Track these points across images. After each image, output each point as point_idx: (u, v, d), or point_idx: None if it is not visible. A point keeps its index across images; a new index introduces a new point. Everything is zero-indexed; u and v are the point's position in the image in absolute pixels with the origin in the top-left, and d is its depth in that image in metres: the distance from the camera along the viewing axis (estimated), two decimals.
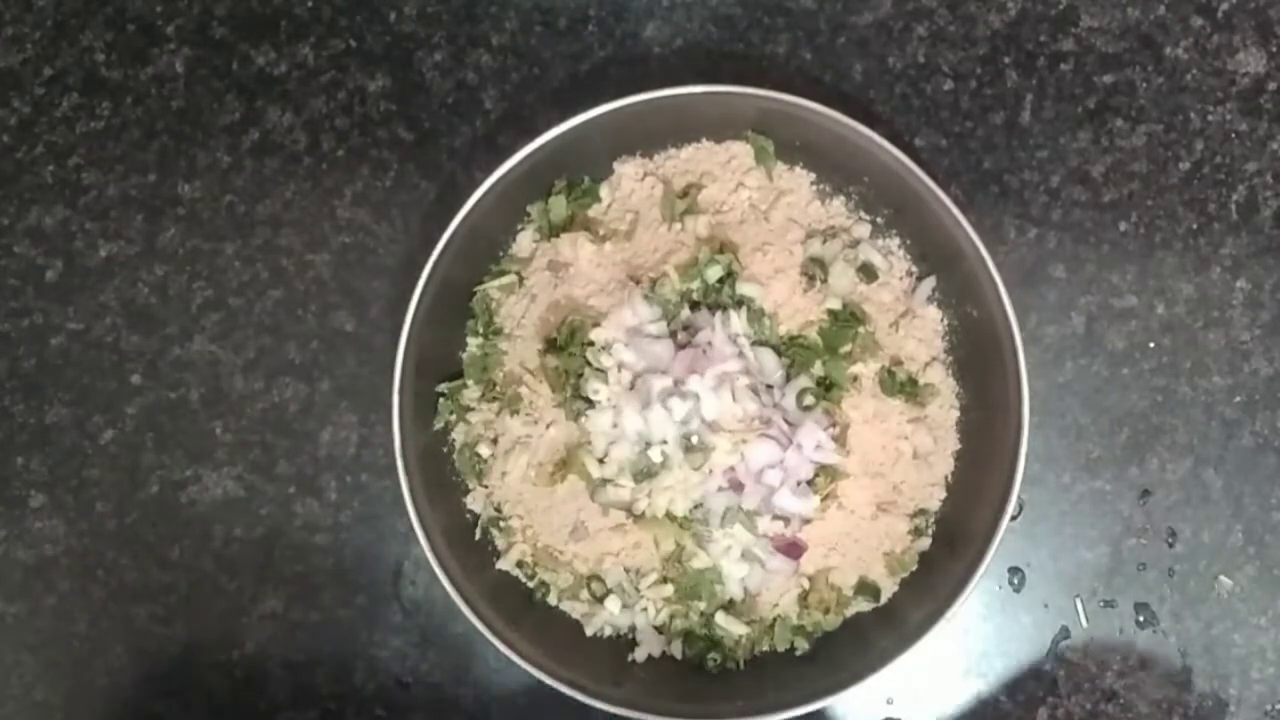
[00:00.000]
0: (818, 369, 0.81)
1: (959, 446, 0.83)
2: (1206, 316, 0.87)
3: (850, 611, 0.83)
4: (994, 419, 0.80)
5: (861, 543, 0.82)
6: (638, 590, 0.81)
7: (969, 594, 0.77)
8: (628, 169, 0.85)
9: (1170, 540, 0.86)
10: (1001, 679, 0.86)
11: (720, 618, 0.81)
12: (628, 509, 0.80)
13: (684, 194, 0.84)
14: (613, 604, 0.81)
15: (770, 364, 0.81)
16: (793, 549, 0.80)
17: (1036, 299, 0.87)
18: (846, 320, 0.82)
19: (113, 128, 0.90)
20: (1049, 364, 0.87)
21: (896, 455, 0.82)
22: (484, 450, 0.83)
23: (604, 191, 0.85)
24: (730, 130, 0.84)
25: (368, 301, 0.89)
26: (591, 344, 0.80)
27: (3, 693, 0.87)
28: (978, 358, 0.82)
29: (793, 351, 0.81)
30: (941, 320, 0.84)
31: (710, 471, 0.78)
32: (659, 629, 0.82)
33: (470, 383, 0.83)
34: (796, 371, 0.81)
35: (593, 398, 0.79)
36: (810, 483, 0.80)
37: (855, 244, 0.84)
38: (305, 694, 0.86)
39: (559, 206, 0.84)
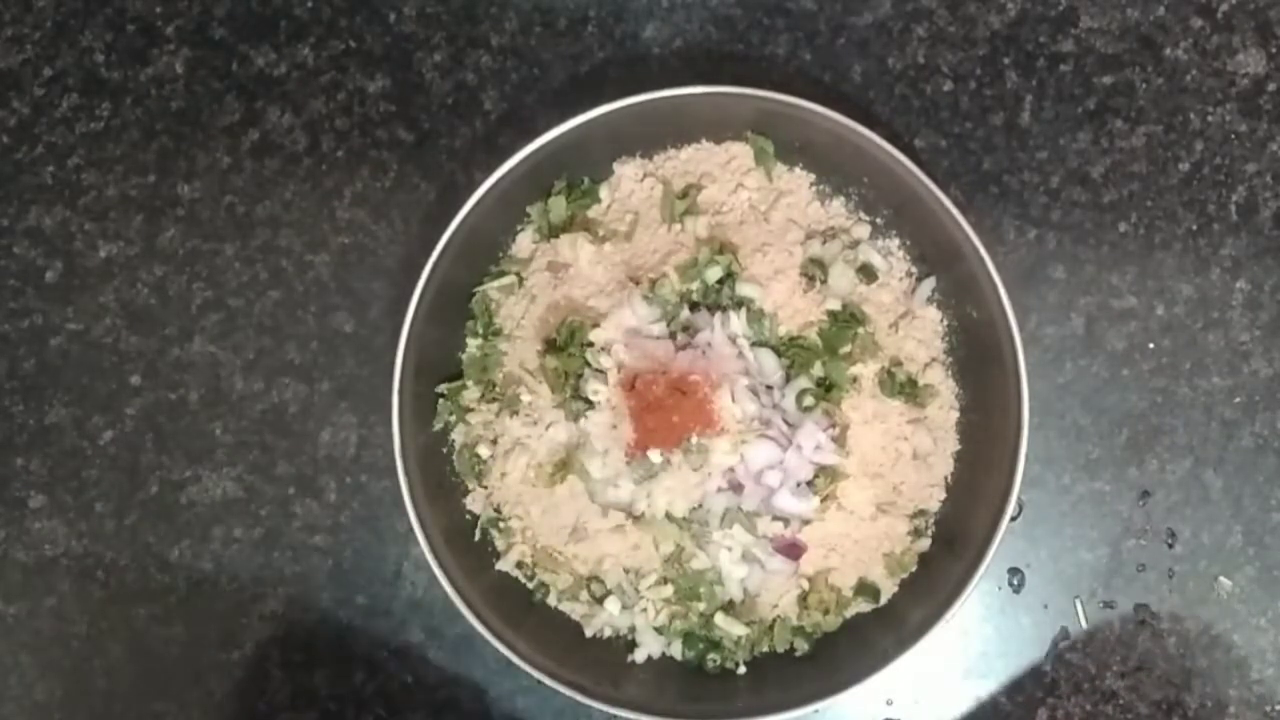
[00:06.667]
0: (817, 370, 0.81)
1: (959, 447, 0.83)
2: (1206, 317, 0.87)
3: (850, 612, 0.83)
4: (994, 420, 0.80)
5: (861, 543, 0.82)
6: (637, 591, 0.81)
7: (969, 595, 0.77)
8: (627, 170, 0.85)
9: (1170, 541, 0.86)
10: (1001, 679, 0.86)
11: (720, 618, 0.81)
12: (627, 510, 0.80)
13: (684, 195, 0.84)
14: (612, 605, 0.81)
15: (770, 365, 0.80)
16: (792, 550, 0.80)
17: (1036, 299, 0.87)
18: (846, 321, 0.82)
19: (112, 128, 0.90)
20: (1049, 364, 0.87)
21: (896, 456, 0.82)
22: (484, 451, 0.83)
23: (604, 192, 0.85)
24: (730, 131, 0.84)
25: (368, 302, 0.88)
26: (591, 344, 0.80)
27: (3, 693, 0.87)
28: (977, 358, 0.82)
29: (792, 352, 0.81)
30: (941, 321, 0.84)
31: (710, 473, 0.78)
32: (659, 630, 0.82)
33: (470, 383, 0.83)
34: (796, 372, 0.81)
35: (592, 398, 0.79)
36: (810, 483, 0.80)
37: (855, 245, 0.84)
38: (305, 694, 0.86)
39: (559, 207, 0.84)
